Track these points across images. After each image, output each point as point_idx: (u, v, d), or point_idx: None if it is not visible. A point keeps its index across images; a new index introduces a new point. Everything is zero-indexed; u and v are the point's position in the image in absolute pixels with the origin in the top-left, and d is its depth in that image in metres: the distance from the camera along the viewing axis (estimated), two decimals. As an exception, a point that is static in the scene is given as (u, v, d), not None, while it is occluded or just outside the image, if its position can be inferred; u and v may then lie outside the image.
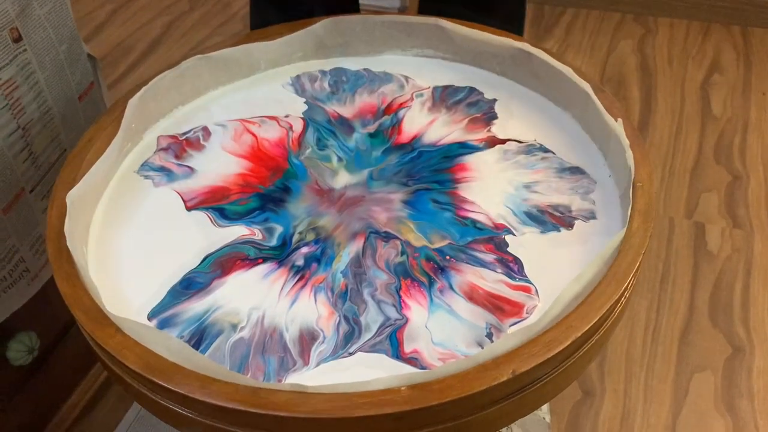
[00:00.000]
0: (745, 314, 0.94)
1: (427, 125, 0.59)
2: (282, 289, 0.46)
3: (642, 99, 1.30)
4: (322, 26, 0.63)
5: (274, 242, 0.49)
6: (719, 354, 0.90)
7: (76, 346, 0.83)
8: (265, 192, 0.53)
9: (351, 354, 0.42)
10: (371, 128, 0.59)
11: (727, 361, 0.89)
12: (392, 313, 0.45)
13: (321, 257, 0.48)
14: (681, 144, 1.21)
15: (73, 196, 0.48)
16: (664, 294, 0.98)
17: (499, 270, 0.47)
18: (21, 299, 0.71)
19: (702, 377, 0.88)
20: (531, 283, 0.46)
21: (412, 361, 0.41)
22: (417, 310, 0.45)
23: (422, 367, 0.41)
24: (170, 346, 0.39)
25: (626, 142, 0.50)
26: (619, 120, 0.51)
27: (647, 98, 1.30)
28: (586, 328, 0.40)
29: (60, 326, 0.80)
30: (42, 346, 0.76)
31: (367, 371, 0.41)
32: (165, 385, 0.38)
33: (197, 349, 0.43)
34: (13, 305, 0.70)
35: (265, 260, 0.48)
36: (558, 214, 0.50)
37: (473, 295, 0.45)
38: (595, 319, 0.40)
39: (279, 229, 0.50)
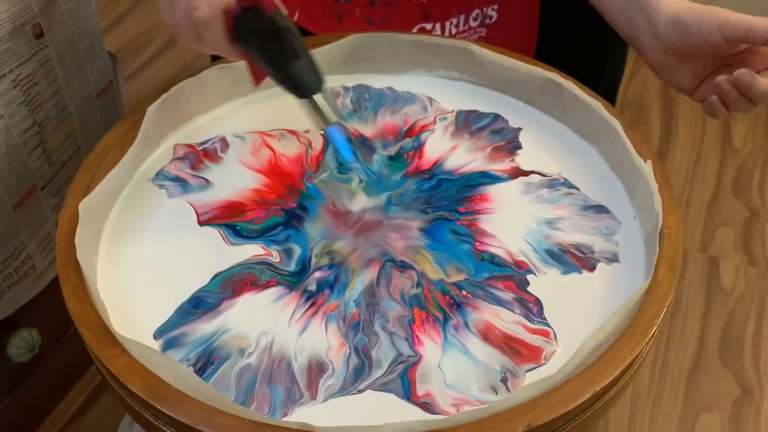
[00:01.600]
0: (756, 355, 0.93)
1: (449, 151, 0.57)
2: (293, 315, 0.45)
3: (662, 125, 1.29)
4: (348, 41, 0.62)
5: (292, 267, 0.48)
6: (727, 394, 0.88)
7: (75, 344, 0.82)
8: (285, 209, 0.52)
9: (360, 392, 0.41)
10: (392, 150, 0.57)
11: (735, 403, 0.88)
12: (405, 349, 0.43)
13: (334, 283, 0.47)
14: (699, 175, 1.19)
15: (85, 205, 0.47)
16: (674, 328, 0.96)
17: (518, 310, 0.45)
18: (26, 296, 0.70)
19: (708, 417, 0.86)
20: (550, 327, 0.44)
21: (425, 405, 0.40)
22: (430, 347, 0.43)
23: (434, 412, 0.40)
24: (177, 372, 0.38)
25: (655, 185, 0.48)
26: (649, 162, 0.50)
27: (668, 125, 1.29)
28: (607, 381, 0.38)
29: (61, 324, 0.79)
30: (42, 344, 0.75)
31: (376, 413, 0.40)
32: (168, 413, 0.37)
33: (203, 373, 0.42)
34: (18, 302, 0.69)
35: (276, 283, 0.47)
36: (580, 254, 0.49)
37: (489, 336, 0.44)
38: (617, 373, 0.39)
39: (297, 251, 0.49)
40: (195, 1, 0.47)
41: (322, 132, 0.51)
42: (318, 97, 0.49)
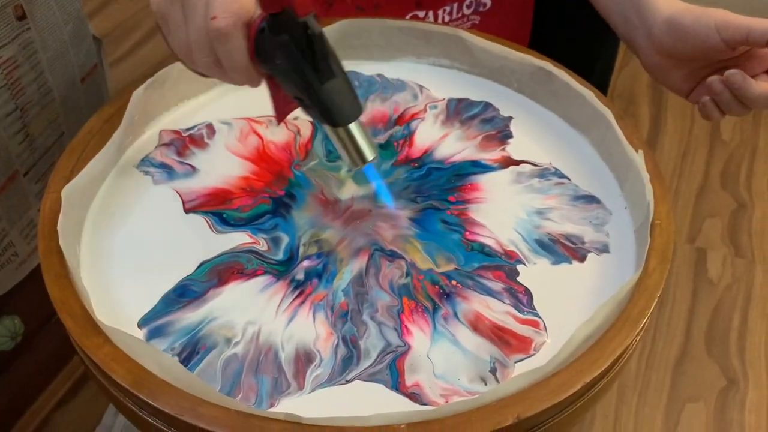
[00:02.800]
0: (742, 346, 0.93)
1: (440, 140, 0.57)
2: (280, 304, 0.45)
3: (651, 117, 1.29)
4: (338, 27, 0.61)
5: (280, 255, 0.47)
6: (713, 385, 0.89)
7: (59, 332, 0.81)
8: (273, 197, 0.51)
9: (348, 382, 0.40)
10: (381, 139, 0.57)
11: (721, 393, 0.88)
12: (393, 339, 0.43)
13: (322, 273, 0.47)
14: (687, 166, 1.20)
15: (68, 192, 0.46)
16: (661, 319, 0.96)
17: (507, 301, 0.45)
18: (8, 284, 0.69)
19: (694, 408, 0.87)
20: (539, 317, 0.44)
21: (413, 396, 0.40)
22: (419, 337, 0.43)
23: (423, 403, 0.39)
24: (161, 362, 0.38)
25: (646, 175, 0.48)
26: (640, 151, 0.50)
27: (657, 117, 1.29)
28: (597, 372, 0.38)
29: (45, 312, 0.78)
30: (25, 332, 0.74)
31: (364, 403, 0.39)
32: (153, 403, 0.36)
33: (189, 363, 0.41)
34: (0, 289, 0.68)
35: (264, 272, 0.46)
36: (570, 244, 0.49)
37: (478, 326, 0.44)
38: (607, 364, 0.39)
39: (285, 239, 0.48)
40: (213, 8, 0.38)
41: (354, 169, 0.43)
42: (354, 127, 0.41)
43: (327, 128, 0.41)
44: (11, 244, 0.67)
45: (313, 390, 0.40)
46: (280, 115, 0.45)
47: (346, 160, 0.42)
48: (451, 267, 0.47)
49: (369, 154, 0.41)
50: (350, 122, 0.41)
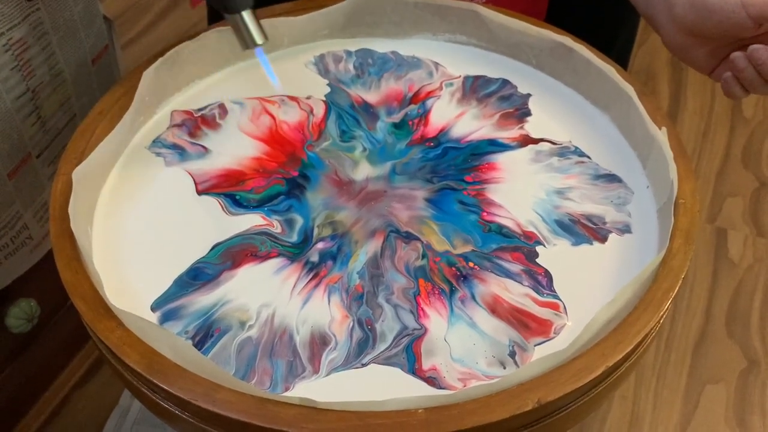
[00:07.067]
0: (763, 327, 0.92)
1: (456, 118, 0.55)
2: (294, 286, 0.44)
3: (671, 94, 1.26)
4: (351, 3, 0.60)
5: (294, 238, 0.46)
6: (734, 366, 0.88)
7: (75, 315, 0.81)
8: (287, 178, 0.50)
9: (364, 365, 0.40)
10: (396, 117, 0.55)
11: (741, 375, 0.87)
12: (410, 322, 0.42)
13: (337, 255, 0.46)
14: (708, 144, 1.17)
15: (79, 174, 0.45)
16: (680, 300, 0.95)
17: (526, 283, 0.44)
18: (23, 266, 0.69)
19: (714, 389, 0.86)
20: (560, 300, 0.43)
21: (430, 380, 0.39)
22: (436, 320, 0.42)
23: (440, 387, 0.39)
24: (175, 345, 0.37)
25: (670, 153, 0.47)
26: (664, 129, 0.48)
27: (677, 94, 1.26)
28: (620, 356, 0.37)
29: (60, 295, 0.78)
30: (41, 314, 0.74)
31: (380, 387, 0.38)
32: (166, 388, 0.36)
33: (203, 346, 0.41)
34: (15, 272, 0.68)
35: (278, 254, 0.46)
36: (591, 225, 0.47)
37: (496, 308, 0.43)
38: (630, 347, 0.37)
39: (299, 221, 0.47)
40: None
41: (244, 50, 0.51)
42: (246, 14, 0.49)
43: (225, 14, 0.50)
44: (25, 227, 0.67)
45: (328, 374, 0.39)
46: (194, 1, 0.53)
47: (239, 43, 0.50)
48: (468, 248, 0.46)
49: (258, 39, 0.50)
50: (242, 10, 0.49)
